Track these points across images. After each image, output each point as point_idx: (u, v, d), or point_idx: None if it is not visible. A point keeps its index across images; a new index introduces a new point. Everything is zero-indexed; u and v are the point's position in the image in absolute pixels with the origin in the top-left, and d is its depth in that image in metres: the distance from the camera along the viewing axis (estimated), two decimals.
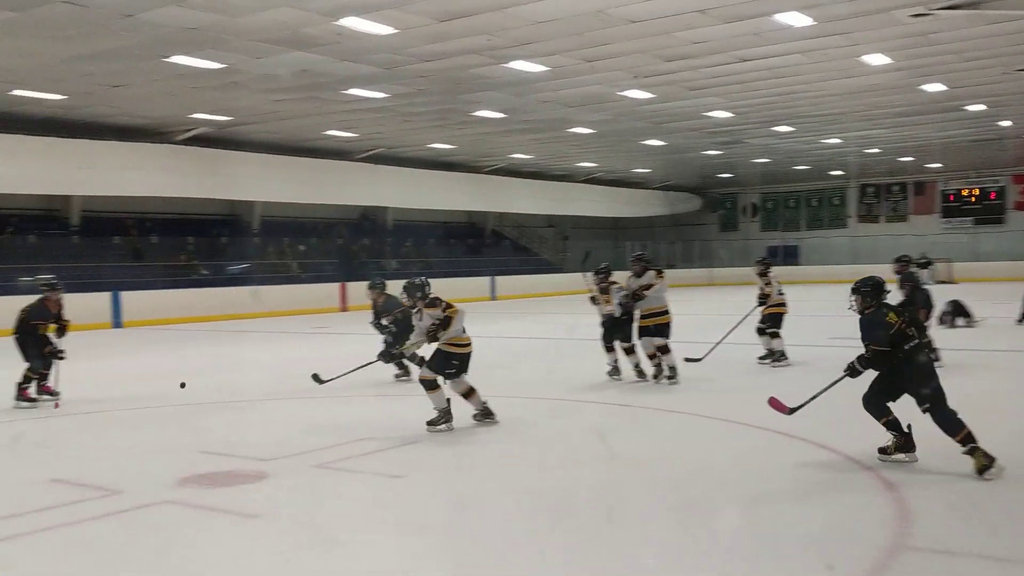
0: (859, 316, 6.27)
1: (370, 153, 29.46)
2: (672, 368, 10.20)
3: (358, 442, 7.36)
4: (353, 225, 32.89)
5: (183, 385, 9.72)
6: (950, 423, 5.83)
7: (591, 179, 39.47)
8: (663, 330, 10.19)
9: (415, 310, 8.15)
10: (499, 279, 32.11)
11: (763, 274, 11.88)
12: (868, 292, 6.21)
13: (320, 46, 15.57)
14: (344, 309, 26.19)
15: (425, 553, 4.72)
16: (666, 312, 10.26)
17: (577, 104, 21.98)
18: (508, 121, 24.19)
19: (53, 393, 9.73)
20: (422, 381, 7.90)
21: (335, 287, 26.67)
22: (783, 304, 11.80)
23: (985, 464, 5.70)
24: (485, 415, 7.98)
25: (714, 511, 5.43)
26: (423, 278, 8.32)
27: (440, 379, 7.85)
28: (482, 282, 31.37)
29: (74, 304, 21.29)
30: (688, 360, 10.99)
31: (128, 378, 12.10)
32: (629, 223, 44.91)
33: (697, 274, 40.44)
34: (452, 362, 7.84)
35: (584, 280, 10.93)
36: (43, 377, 9.77)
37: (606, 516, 5.37)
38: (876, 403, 6.18)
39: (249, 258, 27.68)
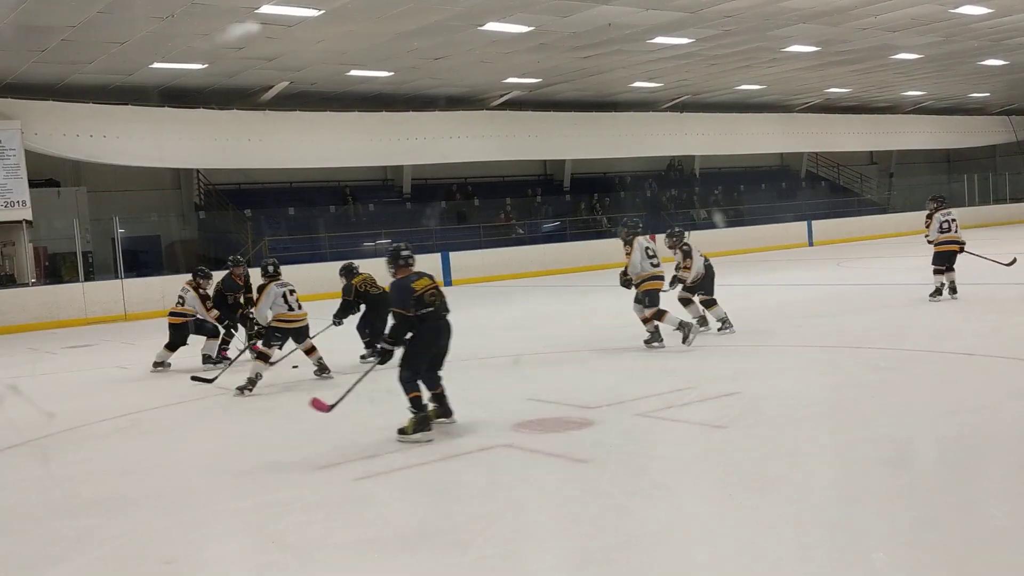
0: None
1: (675, 102, 29.12)
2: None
3: (677, 392, 7.38)
4: (660, 176, 32.76)
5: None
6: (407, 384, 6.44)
7: (919, 108, 36.14)
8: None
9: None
10: (816, 223, 30.48)
11: (930, 213, 12.29)
12: (388, 259, 6.67)
13: None
14: None
15: (755, 504, 4.63)
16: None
17: (901, 28, 20.13)
18: (822, 54, 22.75)
19: (227, 358, 10.87)
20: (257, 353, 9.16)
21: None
22: (954, 242, 12.07)
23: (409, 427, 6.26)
24: (322, 370, 9.30)
25: None
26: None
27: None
28: (798, 227, 29.96)
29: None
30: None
31: (460, 331, 12.98)
32: (965, 154, 40.56)
33: None
34: (276, 335, 9.02)
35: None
36: (225, 342, 11.07)
37: (953, 471, 4.95)
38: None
39: (561, 215, 28.59)
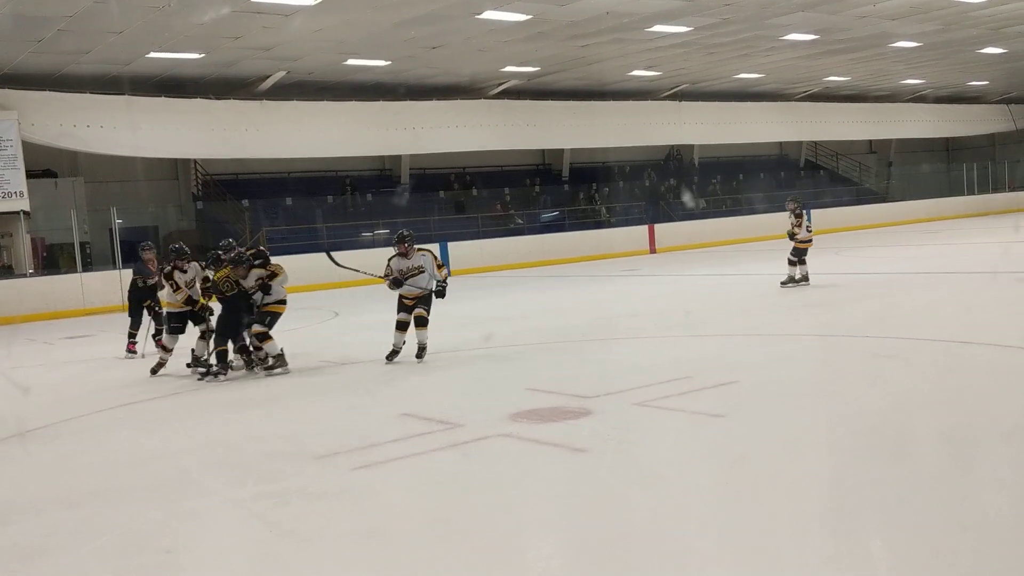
0: None
1: (674, 91, 29.08)
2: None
3: (675, 381, 7.37)
4: (659, 166, 32.72)
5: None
6: None
7: (917, 97, 36.10)
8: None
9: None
10: (816, 212, 30.43)
11: (798, 214, 13.66)
12: None
13: None
14: (653, 251, 26.25)
15: (752, 494, 4.64)
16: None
17: (900, 16, 20.08)
18: (821, 42, 22.71)
19: (132, 352, 11.04)
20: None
21: (643, 229, 26.79)
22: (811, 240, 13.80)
23: None
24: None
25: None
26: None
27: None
28: None
29: None
30: None
31: (461, 322, 13.02)
32: (964, 143, 40.53)
33: None
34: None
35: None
36: (131, 335, 11.05)
37: (952, 460, 4.95)
38: None
39: (559, 205, 28.56)
